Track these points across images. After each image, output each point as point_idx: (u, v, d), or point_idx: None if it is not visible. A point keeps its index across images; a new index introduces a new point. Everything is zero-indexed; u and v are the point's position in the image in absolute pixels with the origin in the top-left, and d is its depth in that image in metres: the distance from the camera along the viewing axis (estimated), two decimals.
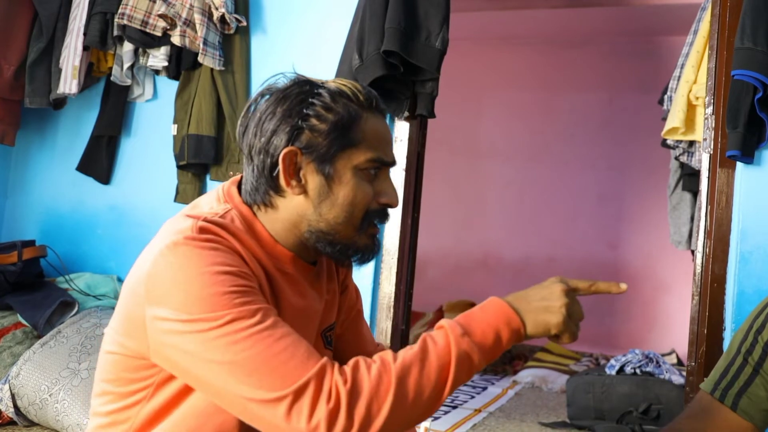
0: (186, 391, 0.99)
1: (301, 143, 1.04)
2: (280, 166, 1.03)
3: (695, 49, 2.57)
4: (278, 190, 1.06)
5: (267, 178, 1.05)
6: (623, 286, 1.04)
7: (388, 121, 2.22)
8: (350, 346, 1.30)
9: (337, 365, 0.91)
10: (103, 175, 2.96)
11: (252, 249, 1.03)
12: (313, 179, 1.05)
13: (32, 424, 2.26)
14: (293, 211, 1.06)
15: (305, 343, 0.92)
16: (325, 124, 1.04)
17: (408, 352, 0.93)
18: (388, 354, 0.93)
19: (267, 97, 1.08)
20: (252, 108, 1.09)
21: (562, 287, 0.99)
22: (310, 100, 1.05)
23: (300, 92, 1.06)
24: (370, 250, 1.11)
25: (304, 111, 1.04)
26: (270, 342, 0.90)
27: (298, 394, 0.87)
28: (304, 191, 1.05)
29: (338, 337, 1.28)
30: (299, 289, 1.10)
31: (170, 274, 0.93)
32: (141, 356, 0.98)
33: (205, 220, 1.00)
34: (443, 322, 0.97)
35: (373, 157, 1.06)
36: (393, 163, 1.11)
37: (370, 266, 2.57)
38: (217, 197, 1.10)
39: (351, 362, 0.91)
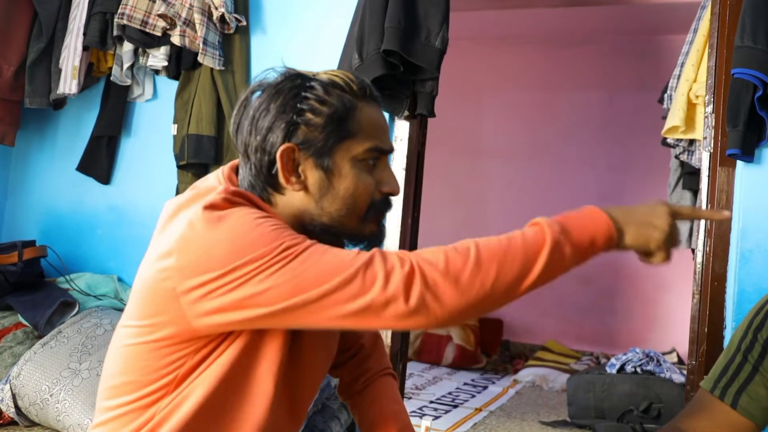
0: (213, 377, 0.98)
1: (298, 139, 1.03)
2: (278, 164, 1.02)
3: (695, 47, 2.57)
4: (277, 188, 1.05)
5: (265, 176, 1.04)
6: (726, 213, 1.09)
7: (388, 121, 2.22)
8: (348, 332, 1.30)
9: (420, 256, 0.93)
10: (103, 175, 2.96)
11: None
12: (312, 174, 1.04)
13: (33, 424, 2.26)
14: (294, 206, 1.05)
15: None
16: (321, 118, 1.03)
17: (497, 240, 0.95)
18: (475, 241, 0.95)
19: (259, 93, 1.06)
20: (244, 105, 1.07)
21: (667, 208, 1.00)
22: (303, 93, 1.03)
23: (293, 86, 1.04)
24: (377, 237, 1.10)
25: (299, 106, 1.03)
26: (324, 252, 0.92)
27: (367, 264, 0.90)
28: (304, 187, 1.04)
29: None
30: None
31: (213, 233, 0.92)
32: (172, 343, 0.97)
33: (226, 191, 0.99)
34: (538, 219, 0.98)
35: (371, 146, 1.05)
36: (390, 150, 1.10)
37: None
38: (217, 180, 1.08)
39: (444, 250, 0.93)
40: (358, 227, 1.07)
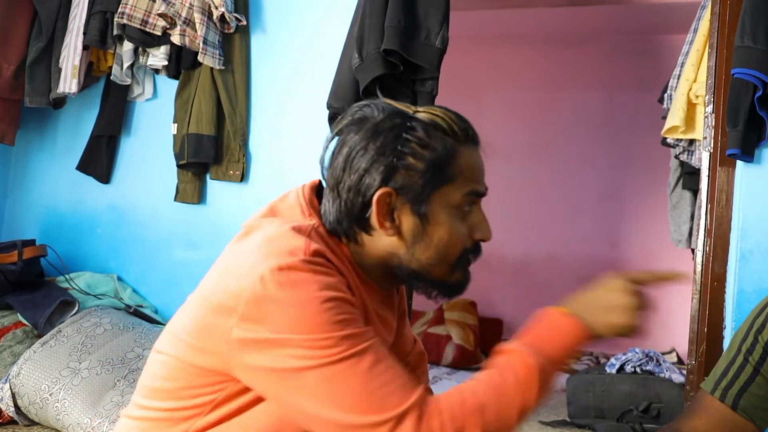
0: (247, 407, 0.96)
1: (396, 183, 0.98)
2: (374, 208, 0.98)
3: (695, 47, 2.57)
4: (367, 229, 1.01)
5: (356, 216, 1.00)
6: (682, 274, 1.04)
7: None
8: (393, 347, 1.26)
9: (434, 398, 0.90)
10: (103, 175, 2.96)
11: (349, 272, 1.00)
12: (407, 221, 1.00)
13: (33, 423, 2.26)
14: (383, 248, 1.02)
15: (405, 372, 0.91)
16: (422, 163, 0.98)
17: (490, 382, 0.93)
18: (474, 386, 0.92)
19: (353, 128, 1.02)
20: (339, 140, 1.03)
21: (623, 284, 0.98)
22: (404, 135, 0.99)
23: (393, 126, 0.99)
24: (463, 285, 1.07)
25: (399, 148, 0.98)
26: (370, 369, 0.88)
27: (399, 419, 0.86)
28: (397, 232, 1.00)
29: None
30: (382, 318, 1.09)
31: (277, 295, 0.89)
32: (214, 371, 0.95)
33: (314, 233, 0.97)
34: (513, 347, 0.96)
35: (468, 190, 1.02)
36: (486, 192, 1.06)
37: None
38: (300, 209, 1.04)
39: (444, 395, 0.91)
40: (446, 275, 1.04)
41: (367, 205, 0.99)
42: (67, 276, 2.74)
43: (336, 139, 1.05)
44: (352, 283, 0.99)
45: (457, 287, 1.06)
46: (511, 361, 0.94)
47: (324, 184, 1.06)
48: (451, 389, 0.92)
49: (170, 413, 0.99)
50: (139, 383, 1.07)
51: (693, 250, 2.72)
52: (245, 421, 0.97)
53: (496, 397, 0.91)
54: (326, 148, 1.05)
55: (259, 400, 0.96)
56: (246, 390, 0.96)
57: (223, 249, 1.06)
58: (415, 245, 1.01)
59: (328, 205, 1.03)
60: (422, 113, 1.02)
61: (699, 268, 2.28)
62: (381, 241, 1.02)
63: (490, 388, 0.92)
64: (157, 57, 2.77)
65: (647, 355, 2.90)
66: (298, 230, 0.97)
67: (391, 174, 0.98)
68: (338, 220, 1.02)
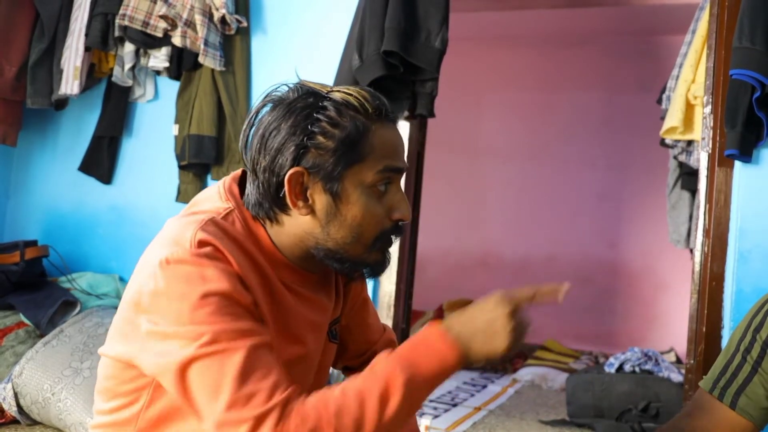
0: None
1: (308, 162, 1.00)
2: (286, 187, 1.00)
3: (693, 48, 2.58)
4: (284, 208, 1.03)
5: (273, 196, 1.02)
6: (565, 286, 1.00)
7: None
8: (355, 337, 1.29)
9: (301, 399, 0.91)
10: (104, 176, 2.97)
11: (254, 256, 1.01)
12: (320, 199, 1.01)
13: (35, 423, 2.27)
14: (299, 228, 1.04)
15: (279, 372, 0.92)
16: (332, 141, 1.00)
17: (355, 388, 0.92)
18: (342, 389, 0.92)
19: (269, 107, 1.04)
20: (254, 119, 1.05)
21: (507, 310, 0.96)
22: (315, 115, 1.00)
23: (305, 106, 1.01)
24: (381, 266, 1.08)
25: (310, 128, 0.99)
26: (242, 365, 0.89)
27: (260, 419, 0.87)
28: (311, 211, 1.02)
29: (343, 327, 1.26)
30: (304, 298, 1.09)
31: (164, 288, 0.93)
32: (132, 363, 0.99)
33: (209, 222, 0.98)
34: (388, 357, 0.95)
35: (382, 167, 1.02)
36: (404, 168, 1.06)
37: None
38: (218, 194, 1.06)
39: (312, 396, 0.91)
40: (362, 255, 1.05)
41: (281, 184, 1.01)
42: (68, 276, 2.75)
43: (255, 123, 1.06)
44: (253, 267, 1.00)
45: (375, 268, 1.07)
46: (382, 371, 0.93)
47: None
48: (321, 391, 0.93)
49: (116, 415, 1.03)
50: (96, 388, 1.10)
51: (691, 250, 2.73)
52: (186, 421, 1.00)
53: (356, 404, 0.90)
54: (246, 133, 1.06)
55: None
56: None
57: None
58: (330, 224, 1.02)
59: (251, 187, 1.05)
60: (336, 93, 1.03)
61: (698, 268, 2.29)
62: (299, 221, 1.03)
63: (354, 394, 0.91)
64: (159, 58, 2.78)
65: (646, 355, 2.91)
66: (192, 221, 0.99)
67: (303, 153, 1.00)
68: (258, 201, 1.04)
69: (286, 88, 1.05)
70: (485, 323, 0.96)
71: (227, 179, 1.09)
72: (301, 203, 1.02)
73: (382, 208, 1.04)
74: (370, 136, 1.02)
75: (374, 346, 1.32)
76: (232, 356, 0.90)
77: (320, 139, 1.00)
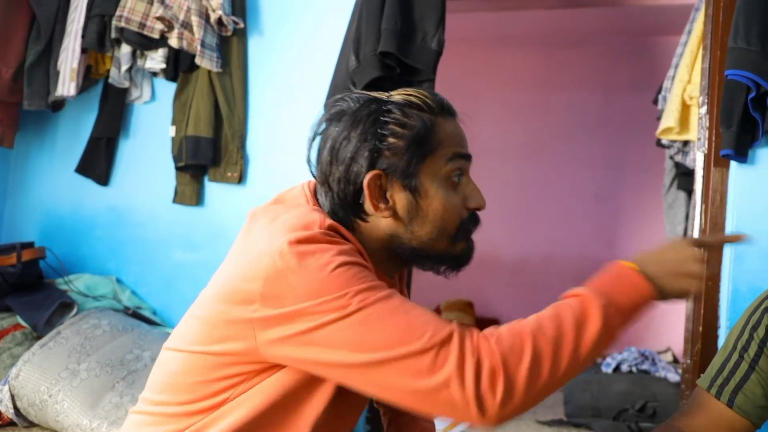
0: (258, 401, 0.97)
1: (383, 165, 1.02)
2: (366, 192, 1.01)
3: (689, 49, 2.59)
4: (362, 215, 1.04)
5: (351, 205, 1.03)
6: (743, 235, 1.09)
7: None
8: None
9: (486, 331, 0.90)
10: (102, 177, 2.97)
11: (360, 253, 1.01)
12: (400, 198, 1.03)
13: (32, 425, 2.26)
14: (381, 232, 1.04)
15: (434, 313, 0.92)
16: (403, 141, 1.02)
17: (546, 314, 0.92)
18: (529, 319, 0.92)
19: (334, 122, 1.04)
20: (320, 135, 1.05)
21: (693, 250, 1.01)
22: (382, 119, 1.02)
23: (370, 112, 1.03)
24: (467, 255, 1.09)
25: (379, 131, 1.01)
26: (401, 306, 0.89)
27: (444, 343, 0.86)
28: (393, 212, 1.03)
29: None
30: None
31: (296, 266, 0.90)
32: (234, 360, 0.96)
33: (322, 213, 0.99)
34: (580, 290, 0.95)
35: (451, 154, 1.05)
36: (470, 155, 1.09)
37: None
38: (305, 198, 1.06)
39: (492, 327, 0.91)
40: (448, 248, 1.06)
41: (359, 191, 1.02)
42: (66, 278, 2.75)
43: (319, 137, 1.07)
44: (367, 262, 1.00)
45: (462, 258, 1.09)
46: (574, 301, 0.93)
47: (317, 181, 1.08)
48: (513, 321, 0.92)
49: (182, 407, 1.00)
50: (151, 380, 1.08)
51: None
52: (251, 420, 0.97)
53: (553, 326, 0.89)
54: (310, 147, 1.07)
55: (266, 397, 0.97)
56: (257, 384, 0.97)
57: (221, 250, 1.08)
58: (413, 222, 1.03)
59: (323, 200, 1.06)
60: (396, 95, 1.06)
61: None
62: (379, 225, 1.04)
63: (550, 316, 0.91)
64: (155, 60, 2.78)
65: (643, 355, 2.92)
66: (308, 210, 1.00)
67: (377, 157, 1.01)
68: (333, 211, 1.04)
69: (345, 102, 1.06)
70: (676, 264, 1.00)
71: (311, 184, 1.10)
72: (382, 205, 1.03)
73: (458, 198, 1.06)
74: (436, 129, 1.04)
75: None
76: (388, 302, 0.89)
77: (391, 140, 1.02)
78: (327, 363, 0.90)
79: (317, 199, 1.07)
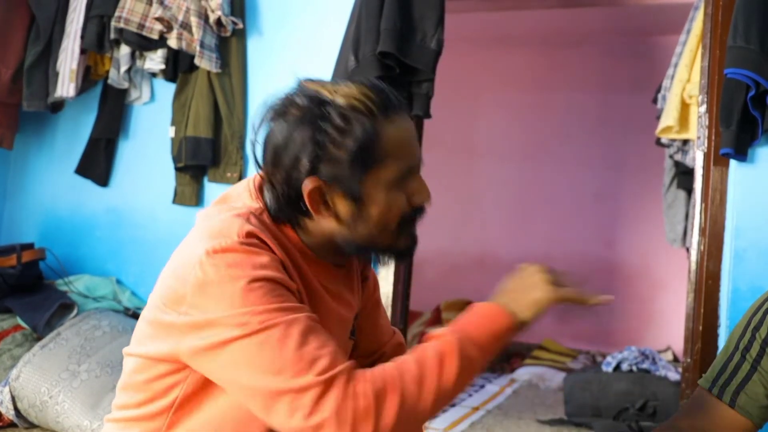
0: (213, 401, 1.00)
1: (323, 175, 0.99)
2: (306, 200, 1.00)
3: (688, 48, 2.59)
4: (306, 214, 1.03)
5: (293, 205, 1.02)
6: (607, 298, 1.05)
7: None
8: (366, 337, 1.30)
9: (361, 369, 0.93)
10: (101, 178, 2.97)
11: (290, 251, 1.02)
12: (343, 205, 1.01)
13: (32, 426, 2.26)
14: (325, 229, 1.04)
15: (335, 345, 0.93)
16: (344, 152, 0.98)
17: (412, 357, 0.96)
18: (398, 361, 0.95)
19: (279, 120, 1.03)
20: (259, 128, 1.05)
21: (536, 268, 1.03)
22: (322, 125, 0.98)
23: (311, 117, 0.99)
24: (410, 249, 1.09)
25: (319, 138, 0.98)
26: (301, 336, 0.91)
27: (329, 383, 0.88)
28: (335, 215, 1.02)
29: (356, 326, 1.26)
30: (333, 294, 1.10)
31: (213, 276, 0.93)
32: (171, 359, 0.99)
33: (251, 215, 0.99)
34: (440, 332, 0.99)
35: (401, 168, 1.02)
36: (420, 165, 1.07)
37: None
38: (249, 193, 1.07)
39: (371, 368, 0.93)
40: (391, 243, 1.06)
41: (300, 196, 1.01)
42: (65, 279, 2.75)
43: (264, 131, 1.06)
44: (291, 262, 1.01)
45: (405, 251, 1.09)
46: (434, 342, 0.97)
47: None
48: (377, 366, 0.95)
49: (141, 410, 1.03)
50: (116, 388, 1.11)
51: (688, 249, 2.74)
52: (215, 416, 1.00)
53: (416, 367, 0.93)
54: (254, 141, 1.06)
55: (227, 401, 0.99)
56: (208, 384, 0.99)
57: None
58: (355, 224, 1.03)
59: (267, 194, 1.05)
60: (339, 96, 1.00)
61: (694, 267, 2.29)
62: (321, 224, 1.04)
63: (413, 359, 0.95)
64: (155, 60, 2.78)
65: (643, 354, 2.92)
66: (236, 214, 1.00)
67: (316, 166, 0.99)
68: (277, 208, 1.04)
69: (289, 99, 1.03)
70: (520, 281, 1.03)
71: (256, 178, 1.09)
72: (323, 210, 1.02)
73: (403, 196, 1.05)
74: (381, 138, 1.00)
75: (383, 348, 1.33)
76: (290, 329, 0.91)
77: (331, 149, 0.99)
78: (226, 381, 0.95)
79: (263, 194, 1.06)
